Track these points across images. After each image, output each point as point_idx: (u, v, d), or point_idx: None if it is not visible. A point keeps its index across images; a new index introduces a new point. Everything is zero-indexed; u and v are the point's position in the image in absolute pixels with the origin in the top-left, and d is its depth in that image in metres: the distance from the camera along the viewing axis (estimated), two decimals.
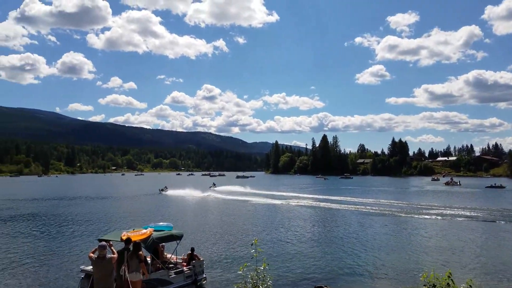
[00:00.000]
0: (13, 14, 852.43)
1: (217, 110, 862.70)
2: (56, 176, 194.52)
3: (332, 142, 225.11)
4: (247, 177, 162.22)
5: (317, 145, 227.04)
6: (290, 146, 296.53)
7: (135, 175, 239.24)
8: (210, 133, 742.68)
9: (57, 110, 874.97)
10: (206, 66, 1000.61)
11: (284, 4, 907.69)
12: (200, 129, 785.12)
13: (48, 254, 20.29)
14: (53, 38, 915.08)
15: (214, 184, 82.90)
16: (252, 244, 8.50)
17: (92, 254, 10.17)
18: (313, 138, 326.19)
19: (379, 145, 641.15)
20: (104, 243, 10.51)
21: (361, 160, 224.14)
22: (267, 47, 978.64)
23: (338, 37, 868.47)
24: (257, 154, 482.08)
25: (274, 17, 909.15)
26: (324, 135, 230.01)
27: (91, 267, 10.94)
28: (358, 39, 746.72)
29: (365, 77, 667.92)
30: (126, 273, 10.88)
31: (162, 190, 69.84)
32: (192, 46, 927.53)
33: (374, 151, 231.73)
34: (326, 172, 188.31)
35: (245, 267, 7.82)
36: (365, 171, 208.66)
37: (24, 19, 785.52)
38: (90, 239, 24.09)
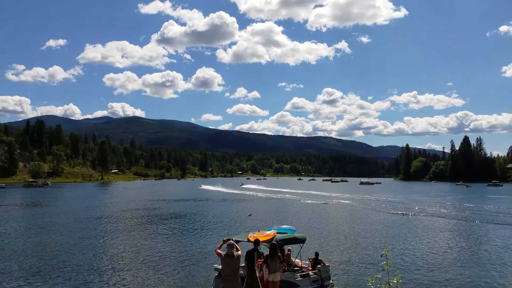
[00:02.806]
0: (155, 36, 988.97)
1: (339, 114, 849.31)
2: (193, 180, 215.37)
3: (475, 145, 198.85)
4: (372, 183, 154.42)
5: (457, 148, 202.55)
6: (424, 149, 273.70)
7: (257, 179, 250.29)
8: (331, 137, 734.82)
9: (192, 120, 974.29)
10: (327, 70, 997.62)
11: None
12: (320, 133, 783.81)
13: (183, 252, 22.09)
14: (188, 56, 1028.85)
15: (243, 184, 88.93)
16: (382, 255, 7.75)
17: (219, 251, 10.66)
18: (451, 140, 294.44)
19: None
20: (232, 241, 10.88)
21: None
22: (394, 44, 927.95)
23: (478, 27, 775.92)
24: (384, 159, 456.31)
25: (402, 12, 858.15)
26: (466, 136, 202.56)
27: None
28: (503, 28, 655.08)
29: None
30: (266, 273, 11.16)
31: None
32: (313, 51, 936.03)
33: None
34: (468, 178, 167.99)
35: (375, 279, 7.20)
36: None
37: (164, 40, 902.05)
38: (221, 237, 25.65)
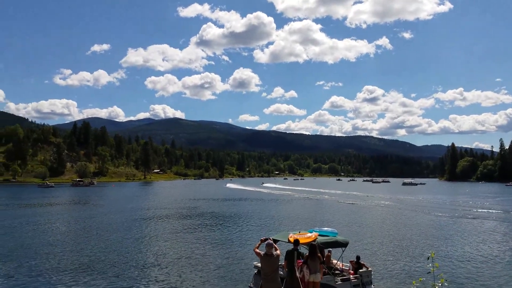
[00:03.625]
0: (193, 39, 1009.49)
1: (380, 112, 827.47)
2: (230, 180, 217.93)
3: None
4: (416, 184, 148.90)
5: (507, 147, 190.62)
6: (471, 148, 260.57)
7: (294, 179, 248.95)
8: (372, 136, 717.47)
9: (230, 121, 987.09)
10: (367, 67, 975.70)
11: None
12: (360, 132, 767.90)
13: (222, 250, 22.42)
14: (226, 58, 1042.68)
15: (263, 183, 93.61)
16: (428, 258, 7.46)
17: (257, 250, 10.70)
18: (500, 139, 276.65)
19: None
20: (271, 241, 10.89)
21: None
22: (438, 40, 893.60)
23: None
24: (429, 159, 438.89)
25: (447, 6, 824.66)
26: None
27: None
28: None
29: None
30: (307, 274, 11.15)
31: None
32: (353, 49, 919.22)
33: None
34: None
35: (419, 282, 6.94)
36: None
37: (202, 43, 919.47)
38: (259, 236, 25.74)
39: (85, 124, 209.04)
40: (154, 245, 23.83)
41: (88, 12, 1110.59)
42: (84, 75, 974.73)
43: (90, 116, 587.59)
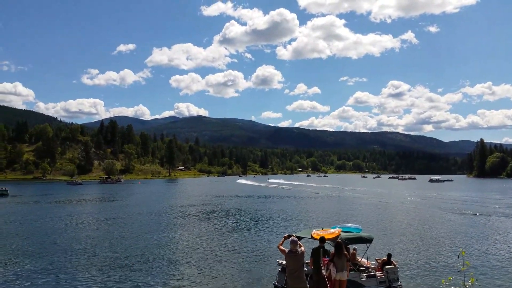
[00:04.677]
0: (217, 38, 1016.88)
1: (406, 108, 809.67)
2: (254, 176, 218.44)
3: None
4: (443, 181, 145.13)
5: None
6: (500, 144, 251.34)
7: (317, 176, 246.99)
8: (398, 132, 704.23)
9: (252, 118, 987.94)
10: (392, 62, 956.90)
11: None
12: (385, 128, 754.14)
13: (246, 247, 22.49)
14: (248, 55, 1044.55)
15: (268, 179, 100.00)
16: (458, 256, 7.20)
17: (282, 247, 10.66)
18: None
19: None
20: (295, 238, 10.81)
21: None
22: (465, 33, 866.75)
23: None
24: (456, 155, 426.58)
25: None
26: None
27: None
28: None
29: None
30: (334, 272, 11.10)
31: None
32: (377, 43, 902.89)
33: None
34: None
35: (448, 281, 6.72)
36: None
37: (226, 41, 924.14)
38: (281, 233, 25.68)
39: (112, 122, 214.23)
40: (180, 242, 24.18)
41: (114, 13, 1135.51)
42: (111, 74, 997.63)
43: (116, 115, 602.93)
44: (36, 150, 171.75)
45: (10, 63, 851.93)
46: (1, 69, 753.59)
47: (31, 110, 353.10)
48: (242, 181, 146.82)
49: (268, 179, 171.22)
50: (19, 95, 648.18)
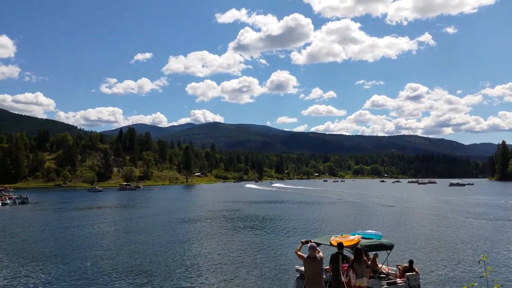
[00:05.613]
0: (231, 45, 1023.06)
1: (424, 110, 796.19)
2: (270, 182, 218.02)
3: None
4: (464, 184, 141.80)
5: None
6: None
7: (333, 181, 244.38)
8: (417, 135, 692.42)
9: (268, 123, 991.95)
10: (409, 64, 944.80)
11: None
12: (404, 132, 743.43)
13: (264, 253, 22.52)
14: (263, 61, 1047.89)
15: (271, 183, 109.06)
16: (479, 261, 7.15)
17: (300, 253, 10.68)
18: None
19: None
20: (314, 244, 10.83)
21: None
22: (484, 34, 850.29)
23: None
24: (477, 158, 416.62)
25: None
26: None
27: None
28: None
29: None
30: (353, 278, 11.04)
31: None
32: (394, 46, 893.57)
33: None
34: None
35: (471, 287, 6.67)
36: None
37: (240, 47, 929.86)
38: (299, 239, 25.61)
39: (130, 130, 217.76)
40: (199, 248, 24.39)
41: (131, 23, 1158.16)
42: (129, 83, 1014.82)
43: (135, 123, 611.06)
44: (57, 158, 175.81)
45: (31, 73, 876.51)
46: (23, 80, 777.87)
47: (52, 119, 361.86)
48: (250, 185, 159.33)
49: (271, 183, 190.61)
50: (40, 105, 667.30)
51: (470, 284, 6.89)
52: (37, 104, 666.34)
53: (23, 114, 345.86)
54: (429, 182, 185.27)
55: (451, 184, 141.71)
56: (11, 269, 19.17)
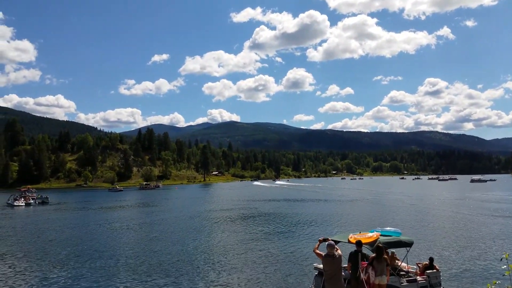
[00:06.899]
0: (247, 44, 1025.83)
1: (444, 105, 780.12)
2: (287, 180, 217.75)
3: None
4: (485, 180, 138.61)
5: None
6: None
7: (351, 179, 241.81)
8: (437, 131, 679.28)
9: (284, 121, 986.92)
10: (428, 59, 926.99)
11: None
12: (423, 128, 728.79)
13: (282, 251, 22.66)
14: (279, 59, 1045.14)
15: (274, 180, 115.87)
16: (501, 259, 7.14)
17: (318, 251, 10.75)
18: None
19: None
20: (332, 242, 10.88)
21: None
22: (504, 26, 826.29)
23: None
24: (500, 153, 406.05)
25: None
26: None
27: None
28: None
29: None
30: (373, 276, 11.03)
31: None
32: (412, 41, 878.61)
33: None
34: None
35: (494, 285, 6.66)
36: None
37: (256, 46, 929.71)
38: (316, 237, 25.62)
39: (149, 130, 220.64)
40: (218, 246, 24.71)
41: (147, 25, 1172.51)
42: (147, 84, 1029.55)
43: (153, 123, 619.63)
44: (78, 159, 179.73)
45: (52, 76, 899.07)
46: (44, 83, 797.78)
47: (73, 121, 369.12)
48: (258, 183, 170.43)
49: (275, 181, 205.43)
50: (61, 107, 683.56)
51: (492, 282, 6.89)
52: (58, 106, 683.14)
53: (45, 117, 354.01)
54: (450, 179, 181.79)
55: (473, 181, 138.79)
56: (41, 267, 19.88)
